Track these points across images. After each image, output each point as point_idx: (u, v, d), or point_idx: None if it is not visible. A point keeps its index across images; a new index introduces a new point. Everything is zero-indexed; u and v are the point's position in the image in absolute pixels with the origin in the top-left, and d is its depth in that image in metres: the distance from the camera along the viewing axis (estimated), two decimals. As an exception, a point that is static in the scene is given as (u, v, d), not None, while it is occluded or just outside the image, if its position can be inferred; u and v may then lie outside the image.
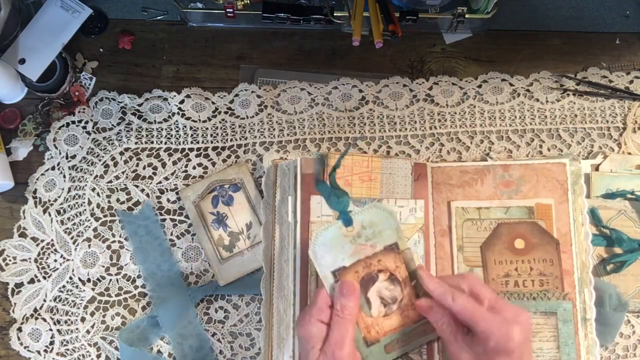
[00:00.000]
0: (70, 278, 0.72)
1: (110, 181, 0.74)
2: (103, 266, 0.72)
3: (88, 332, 0.71)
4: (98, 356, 0.70)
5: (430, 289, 0.57)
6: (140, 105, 0.76)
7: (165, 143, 0.75)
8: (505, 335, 0.52)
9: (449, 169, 0.68)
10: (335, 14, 0.73)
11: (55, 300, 0.71)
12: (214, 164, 0.74)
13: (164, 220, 0.73)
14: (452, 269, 0.66)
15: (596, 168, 0.70)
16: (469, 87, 0.75)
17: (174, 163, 0.74)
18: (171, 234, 0.72)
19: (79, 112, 0.76)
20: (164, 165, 0.74)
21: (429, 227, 0.66)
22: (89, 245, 0.72)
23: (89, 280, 0.72)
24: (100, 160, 0.74)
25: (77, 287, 0.72)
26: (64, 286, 0.72)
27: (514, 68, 0.76)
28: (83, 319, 0.71)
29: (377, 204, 0.59)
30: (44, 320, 0.71)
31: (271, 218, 0.69)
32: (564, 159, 0.67)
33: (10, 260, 0.72)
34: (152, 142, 0.75)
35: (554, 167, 0.67)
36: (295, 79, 0.76)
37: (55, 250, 0.72)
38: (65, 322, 0.71)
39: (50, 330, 0.71)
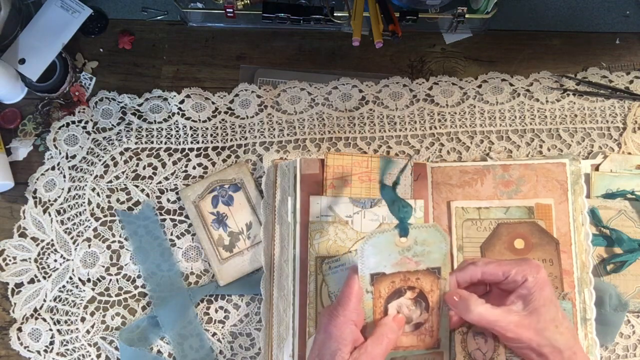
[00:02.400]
0: (70, 278, 0.72)
1: (110, 181, 0.74)
2: (103, 266, 0.72)
3: (88, 332, 0.71)
4: (98, 356, 0.70)
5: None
6: (140, 105, 0.76)
7: (165, 143, 0.75)
8: (535, 267, 0.55)
9: (449, 169, 0.68)
10: (335, 14, 0.73)
11: (55, 300, 0.71)
12: (214, 164, 0.74)
13: (164, 220, 0.73)
14: (452, 269, 0.66)
15: (596, 168, 0.70)
16: (469, 87, 0.75)
17: (174, 163, 0.74)
18: (171, 234, 0.72)
19: (79, 112, 0.76)
20: (164, 165, 0.74)
21: (429, 227, 0.66)
22: (89, 245, 0.72)
23: (89, 280, 0.72)
24: (100, 160, 0.74)
25: (77, 287, 0.72)
26: (64, 286, 0.72)
27: (514, 68, 0.76)
28: (83, 319, 0.71)
29: (437, 226, 0.58)
30: (44, 320, 0.71)
31: (271, 218, 0.69)
32: (563, 159, 0.67)
33: (10, 260, 0.72)
34: (152, 142, 0.75)
35: (554, 167, 0.67)
36: (295, 79, 0.76)
37: (55, 250, 0.72)
38: (65, 322, 0.71)
39: (50, 330, 0.71)
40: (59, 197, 0.73)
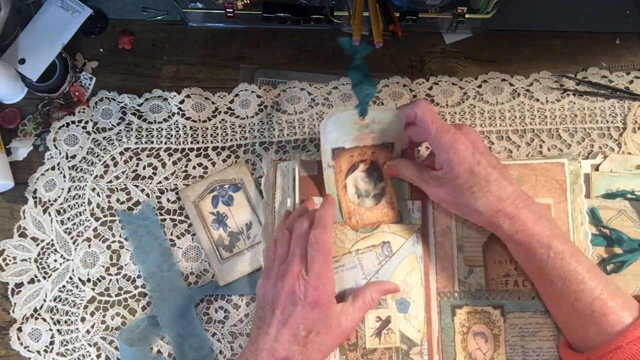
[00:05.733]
0: (70, 278, 0.72)
1: (110, 181, 0.74)
2: (103, 266, 0.72)
3: (88, 332, 0.71)
4: (98, 356, 0.70)
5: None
6: (140, 105, 0.76)
7: (165, 143, 0.75)
8: (452, 147, 0.58)
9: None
10: (335, 14, 0.73)
11: (55, 300, 0.71)
12: (214, 164, 0.74)
13: (164, 220, 0.73)
14: (453, 268, 0.66)
15: (596, 168, 0.70)
16: (469, 87, 0.75)
17: (174, 163, 0.74)
18: (171, 234, 0.72)
19: (79, 112, 0.76)
20: (164, 165, 0.74)
21: (428, 227, 0.66)
22: (89, 245, 0.72)
23: (89, 280, 0.72)
24: (100, 160, 0.74)
25: (77, 287, 0.72)
26: (64, 286, 0.72)
27: (514, 68, 0.76)
28: (83, 319, 0.71)
29: (393, 110, 0.62)
30: (44, 320, 0.71)
31: (271, 219, 0.69)
32: (562, 158, 0.67)
33: (10, 260, 0.72)
34: (152, 142, 0.75)
35: (553, 167, 0.67)
36: (295, 79, 0.76)
37: (55, 250, 0.72)
38: (65, 322, 0.71)
39: (50, 330, 0.71)
40: (59, 197, 0.73)
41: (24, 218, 0.73)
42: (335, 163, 0.64)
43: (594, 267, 0.57)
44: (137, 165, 0.74)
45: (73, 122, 0.75)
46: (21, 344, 0.71)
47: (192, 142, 0.74)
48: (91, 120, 0.75)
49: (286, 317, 0.56)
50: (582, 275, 0.55)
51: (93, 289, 0.72)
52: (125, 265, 0.72)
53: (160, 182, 0.74)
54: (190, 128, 0.75)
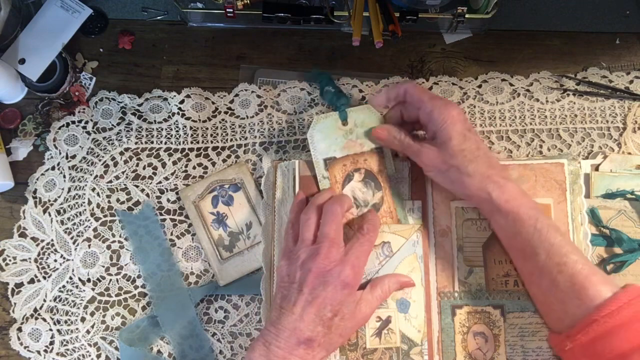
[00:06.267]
0: (70, 278, 0.72)
1: (110, 181, 0.74)
2: (103, 266, 0.72)
3: (88, 332, 0.71)
4: (98, 356, 0.70)
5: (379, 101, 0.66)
6: (140, 105, 0.76)
7: (165, 143, 0.75)
8: (445, 105, 0.60)
9: (449, 169, 0.68)
10: (335, 14, 0.73)
11: (55, 300, 0.71)
12: (214, 164, 0.74)
13: (164, 220, 0.73)
14: (453, 268, 0.66)
15: (596, 168, 0.70)
16: (469, 87, 0.75)
17: (174, 163, 0.74)
18: (171, 234, 0.72)
19: (79, 112, 0.76)
20: (164, 165, 0.74)
21: (428, 227, 0.66)
22: (89, 245, 0.72)
23: (89, 280, 0.72)
24: (100, 160, 0.74)
25: (77, 287, 0.72)
26: (64, 286, 0.72)
27: (514, 68, 0.76)
28: (83, 319, 0.71)
29: (369, 107, 0.66)
30: (44, 320, 0.71)
31: (271, 219, 0.69)
32: (562, 159, 0.67)
33: (10, 260, 0.72)
34: (152, 142, 0.75)
35: (553, 167, 0.67)
36: (295, 79, 0.76)
37: (55, 250, 0.72)
38: (65, 322, 0.71)
39: (50, 330, 0.71)
40: (59, 197, 0.73)
41: (24, 218, 0.73)
42: (330, 174, 0.65)
43: (575, 245, 0.59)
44: (137, 165, 0.74)
45: (73, 122, 0.75)
46: (21, 344, 0.71)
47: (192, 142, 0.74)
48: (91, 120, 0.75)
49: (315, 295, 0.57)
50: (566, 248, 0.56)
51: (93, 289, 0.72)
52: (125, 265, 0.72)
53: (160, 182, 0.74)
54: (190, 128, 0.75)
